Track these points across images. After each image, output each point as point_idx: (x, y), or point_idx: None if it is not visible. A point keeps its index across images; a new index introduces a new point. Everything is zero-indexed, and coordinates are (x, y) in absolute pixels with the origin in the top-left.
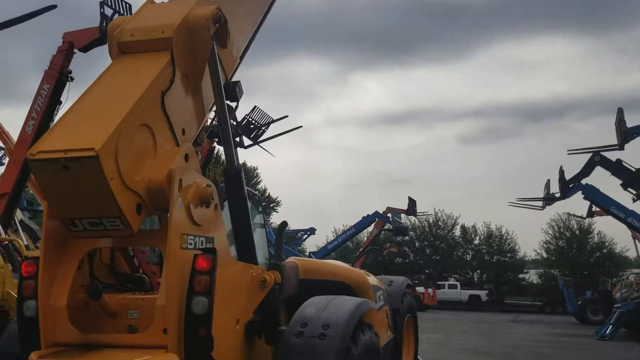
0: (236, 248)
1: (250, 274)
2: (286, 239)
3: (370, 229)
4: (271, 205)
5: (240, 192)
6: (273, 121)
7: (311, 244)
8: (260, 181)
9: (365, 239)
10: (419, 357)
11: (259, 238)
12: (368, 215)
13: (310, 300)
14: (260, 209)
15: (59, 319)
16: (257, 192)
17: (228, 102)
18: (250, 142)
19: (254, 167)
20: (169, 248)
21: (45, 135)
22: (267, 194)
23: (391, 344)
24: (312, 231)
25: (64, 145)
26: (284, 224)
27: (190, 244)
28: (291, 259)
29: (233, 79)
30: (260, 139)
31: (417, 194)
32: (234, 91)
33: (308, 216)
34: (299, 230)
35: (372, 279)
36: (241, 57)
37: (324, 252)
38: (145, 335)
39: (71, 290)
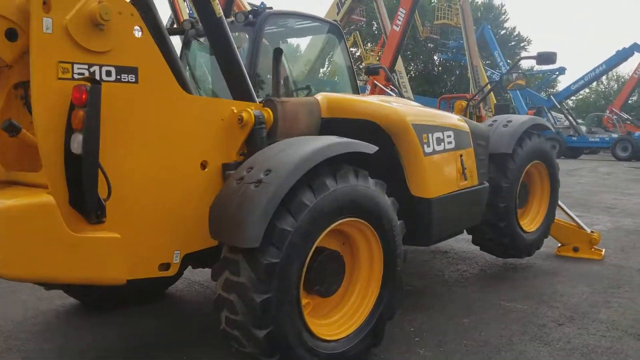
0: (227, 83)
1: (225, 111)
2: (538, 81)
3: (633, 66)
4: (521, 44)
5: (209, 12)
6: None
7: (565, 85)
8: (507, 19)
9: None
10: (560, 203)
11: (342, 71)
12: (624, 48)
13: (279, 142)
14: (342, 39)
15: None
16: (336, 22)
17: None
18: None
19: (501, 4)
20: (33, 79)
21: None
22: (516, 32)
23: (478, 193)
24: (561, 71)
25: None
26: (279, 50)
27: (80, 73)
28: (318, 95)
29: None
30: None
31: None
32: None
33: (566, 56)
34: (546, 71)
35: (428, 118)
36: None
37: (567, 93)
38: (38, 175)
39: None
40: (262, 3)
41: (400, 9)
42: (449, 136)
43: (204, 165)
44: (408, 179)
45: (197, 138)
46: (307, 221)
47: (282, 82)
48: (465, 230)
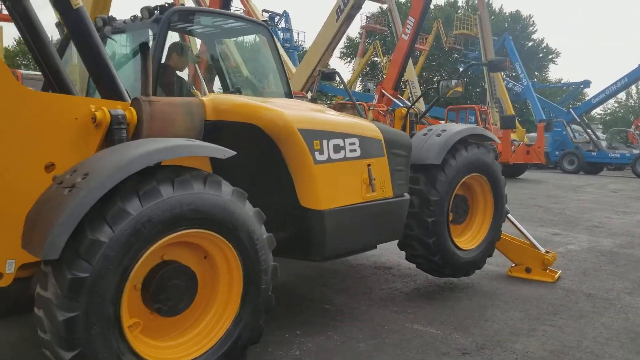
0: (93, 80)
1: (80, 110)
2: (565, 95)
3: None
4: (549, 56)
5: (65, 4)
6: None
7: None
8: (536, 30)
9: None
10: (509, 215)
11: (272, 73)
12: None
13: (118, 145)
14: (272, 40)
15: None
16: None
17: None
18: None
19: (529, 15)
20: None
21: None
22: (544, 44)
23: (393, 205)
24: (586, 84)
25: None
26: (145, 45)
27: None
28: (210, 95)
29: None
30: None
31: None
32: None
33: (592, 67)
34: (572, 84)
35: (323, 123)
36: None
37: (586, 107)
38: None
39: None
40: (285, 12)
41: (410, 18)
42: (352, 144)
43: (50, 167)
44: (297, 189)
45: (40, 137)
46: (128, 232)
47: (150, 79)
48: (398, 246)
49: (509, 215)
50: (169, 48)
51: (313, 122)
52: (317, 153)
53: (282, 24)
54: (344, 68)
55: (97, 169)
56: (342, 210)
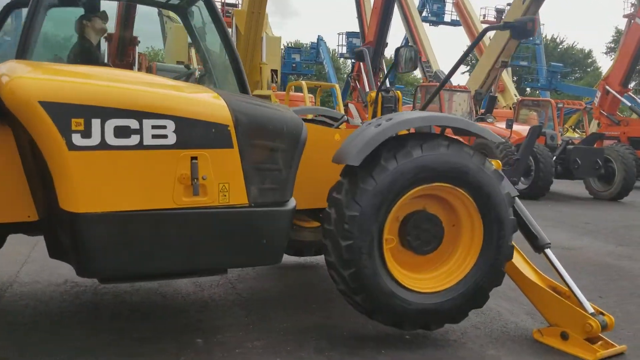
0: None
1: None
2: None
3: None
4: None
5: None
6: None
7: None
8: None
9: None
10: (547, 251)
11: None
12: None
13: None
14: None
15: None
16: None
17: None
18: None
19: None
20: None
21: None
22: None
23: (239, 217)
24: None
25: None
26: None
27: None
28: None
29: None
30: None
31: None
32: None
33: None
34: None
35: (101, 96)
36: None
37: None
38: None
39: None
40: None
41: None
42: (159, 127)
43: None
44: (55, 184)
45: None
46: None
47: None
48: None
49: (548, 252)
50: (82, 16)
51: (76, 93)
52: (76, 135)
53: None
54: (609, 65)
55: None
56: (127, 216)
